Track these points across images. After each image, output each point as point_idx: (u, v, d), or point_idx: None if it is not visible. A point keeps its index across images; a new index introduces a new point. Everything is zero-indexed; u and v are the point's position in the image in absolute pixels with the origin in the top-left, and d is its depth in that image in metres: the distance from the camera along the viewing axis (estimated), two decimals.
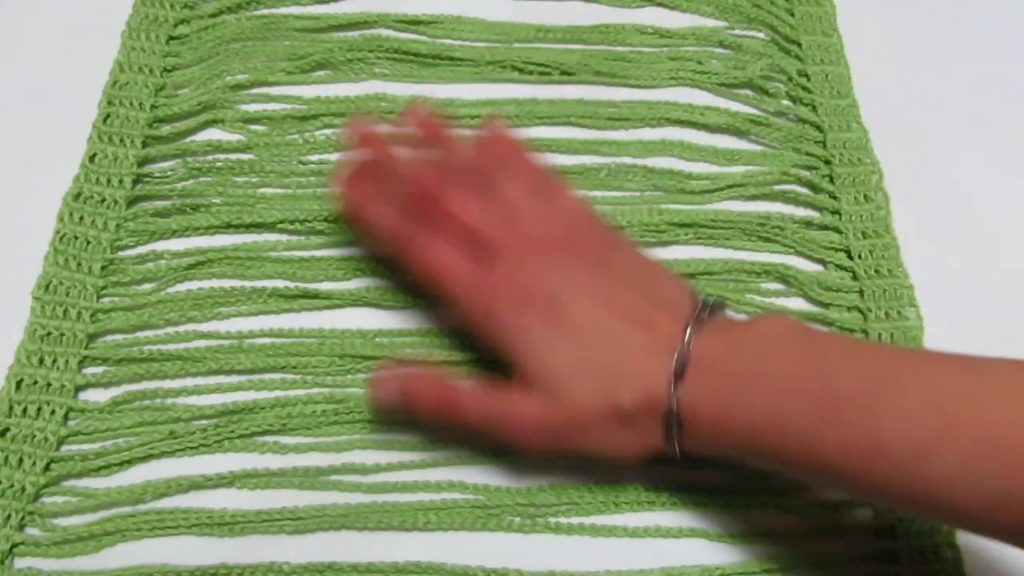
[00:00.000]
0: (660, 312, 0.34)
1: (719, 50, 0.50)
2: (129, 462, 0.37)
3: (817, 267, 0.44)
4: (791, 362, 0.31)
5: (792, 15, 0.51)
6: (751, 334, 0.33)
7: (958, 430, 0.28)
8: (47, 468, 0.37)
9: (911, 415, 0.28)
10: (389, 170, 0.38)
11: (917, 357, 0.31)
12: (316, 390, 0.39)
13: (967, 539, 0.38)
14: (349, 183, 0.39)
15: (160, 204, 0.43)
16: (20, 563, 0.35)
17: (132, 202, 0.43)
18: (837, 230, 0.45)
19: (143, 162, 0.43)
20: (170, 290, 0.41)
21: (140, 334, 0.40)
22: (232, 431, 0.38)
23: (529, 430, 0.34)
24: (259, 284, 0.41)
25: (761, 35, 0.50)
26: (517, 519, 0.37)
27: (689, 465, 0.35)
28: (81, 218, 0.41)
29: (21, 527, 0.36)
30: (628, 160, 0.46)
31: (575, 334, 0.33)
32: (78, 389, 0.39)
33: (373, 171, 0.39)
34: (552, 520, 0.38)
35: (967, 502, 0.28)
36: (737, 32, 0.50)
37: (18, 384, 0.38)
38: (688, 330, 0.33)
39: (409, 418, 0.38)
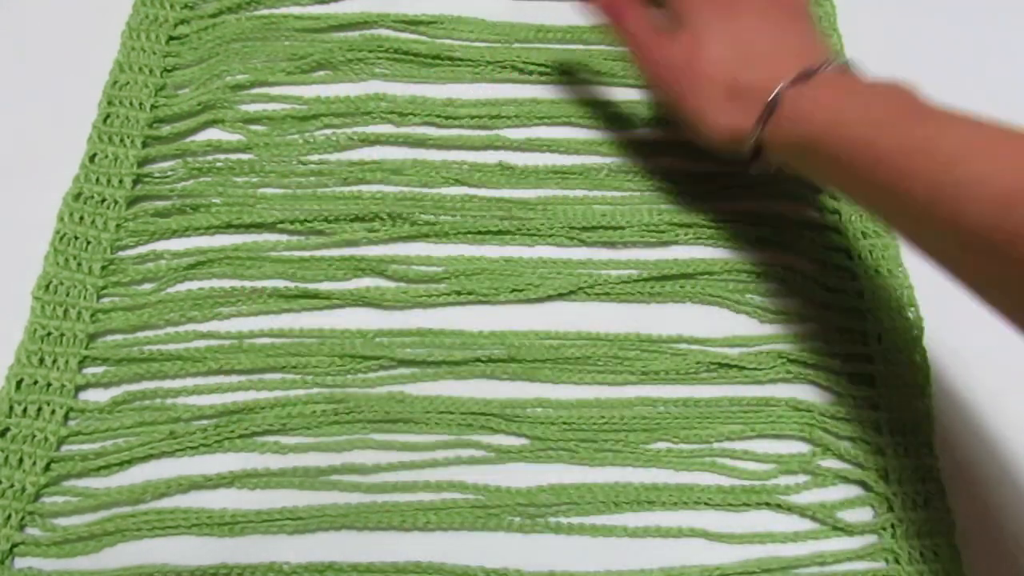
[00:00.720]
0: (811, 45, 0.40)
1: None
2: (129, 462, 0.37)
3: (817, 267, 0.44)
4: (892, 95, 0.36)
5: None
6: (873, 80, 0.38)
7: (998, 144, 0.32)
8: (47, 468, 0.37)
9: (969, 126, 0.33)
10: None
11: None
12: (316, 390, 0.39)
13: (967, 539, 0.38)
14: None
15: (160, 204, 0.43)
16: (20, 563, 0.35)
17: (132, 202, 0.43)
18: (837, 230, 0.45)
19: (143, 162, 0.43)
20: (170, 290, 0.41)
21: (140, 334, 0.40)
22: (232, 431, 0.38)
23: (661, 59, 0.41)
24: (259, 284, 0.41)
25: None
26: (517, 519, 0.37)
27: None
28: (81, 218, 0.41)
29: (21, 527, 0.36)
30: (627, 160, 0.46)
31: (736, 24, 0.40)
32: (78, 389, 0.39)
33: None
34: (552, 520, 0.38)
35: (978, 203, 0.31)
36: None
37: (18, 384, 0.38)
38: (829, 61, 0.38)
39: None
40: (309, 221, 0.42)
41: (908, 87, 0.36)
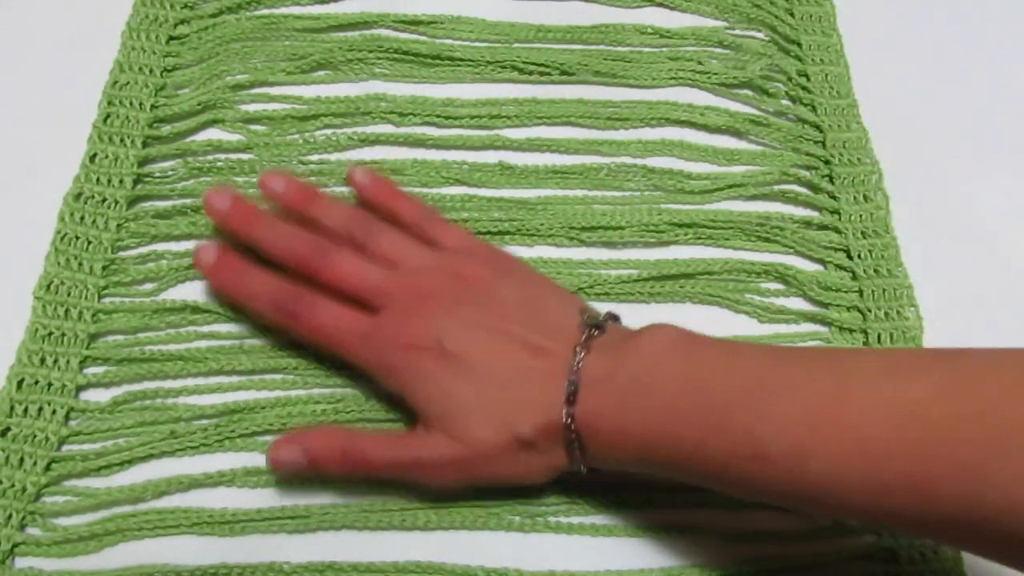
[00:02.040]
0: (549, 339, 0.35)
1: (719, 50, 0.50)
2: (130, 462, 0.37)
3: (817, 267, 0.44)
4: (673, 377, 0.32)
5: (792, 15, 0.51)
6: (636, 350, 0.33)
7: (827, 433, 0.29)
8: (48, 468, 0.37)
9: (783, 421, 0.30)
10: (261, 239, 0.38)
11: (788, 362, 0.32)
12: (316, 390, 0.39)
13: None
14: (219, 260, 0.39)
15: (161, 204, 0.43)
16: (21, 563, 0.35)
17: (133, 202, 0.43)
18: (837, 230, 0.45)
19: (144, 162, 0.44)
20: (171, 290, 0.41)
21: (141, 335, 0.40)
22: (232, 431, 0.38)
23: (436, 469, 0.35)
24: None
25: (761, 35, 0.51)
26: (517, 519, 0.37)
27: (597, 478, 0.36)
28: (82, 218, 0.41)
29: (22, 527, 0.36)
30: (628, 160, 0.46)
31: (467, 372, 0.34)
32: (79, 389, 0.39)
33: (247, 237, 0.39)
34: (552, 520, 0.38)
35: (849, 496, 0.29)
36: (737, 32, 0.50)
37: (19, 384, 0.38)
38: (578, 352, 0.34)
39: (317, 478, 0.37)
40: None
41: (673, 332, 0.34)
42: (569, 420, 0.33)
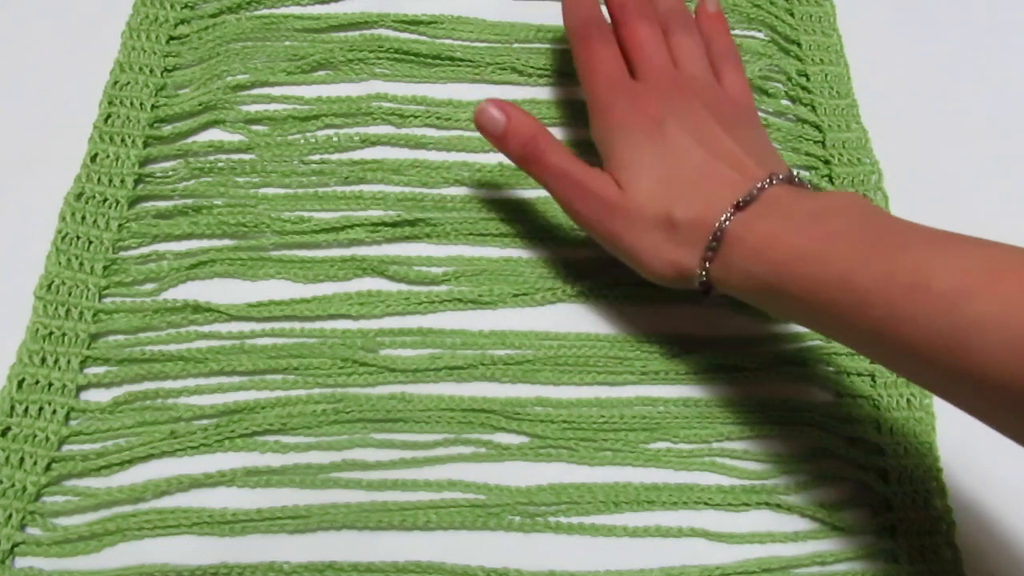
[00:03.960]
0: (751, 160, 0.37)
1: None
2: (130, 462, 0.37)
3: None
4: (857, 216, 0.33)
5: (792, 15, 0.51)
6: (827, 195, 0.35)
7: (1001, 277, 0.28)
8: (48, 468, 0.37)
9: (961, 255, 0.29)
10: None
11: (971, 239, 0.31)
12: (317, 390, 0.39)
13: (967, 539, 0.38)
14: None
15: (162, 205, 0.43)
16: (21, 562, 0.35)
17: (134, 202, 0.43)
18: None
19: (144, 162, 0.44)
20: (172, 290, 0.41)
21: (142, 335, 0.40)
22: (232, 431, 0.38)
23: (590, 202, 0.38)
24: (260, 284, 0.41)
25: (761, 35, 0.50)
26: (517, 519, 0.38)
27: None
28: (83, 218, 0.41)
29: (22, 527, 0.36)
30: None
31: (667, 150, 0.37)
32: (80, 389, 0.39)
33: None
34: (552, 520, 0.38)
35: (990, 351, 0.27)
36: (737, 32, 0.50)
37: (20, 383, 0.38)
38: (771, 179, 0.35)
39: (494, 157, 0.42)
40: (310, 221, 0.42)
41: (863, 199, 0.34)
42: (726, 221, 0.35)
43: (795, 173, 0.37)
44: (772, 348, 0.42)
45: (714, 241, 0.35)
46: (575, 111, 0.47)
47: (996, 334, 0.27)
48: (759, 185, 0.35)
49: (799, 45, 0.50)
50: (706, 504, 0.38)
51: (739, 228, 0.34)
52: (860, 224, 0.32)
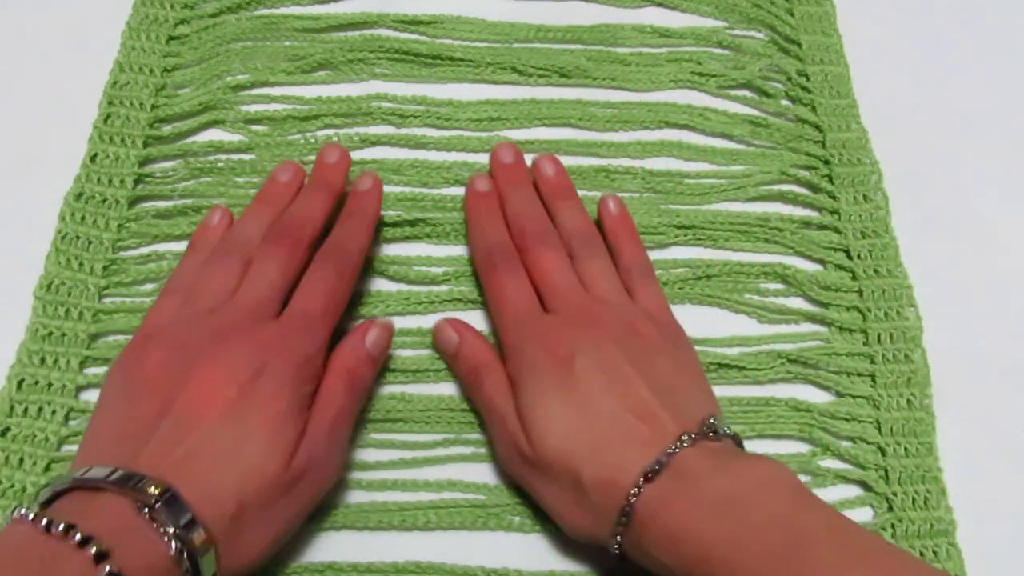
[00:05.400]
0: (666, 413, 0.34)
1: (718, 50, 0.50)
2: None
3: (817, 267, 0.44)
4: (772, 508, 0.30)
5: (792, 15, 0.51)
6: (744, 468, 0.32)
7: None
8: (47, 468, 0.37)
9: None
10: (512, 198, 0.42)
11: (889, 552, 0.30)
12: None
13: (968, 539, 0.38)
14: (479, 185, 0.43)
15: (162, 205, 0.43)
16: None
17: (134, 202, 0.43)
18: (836, 230, 0.45)
19: (144, 162, 0.44)
20: None
21: None
22: None
23: (507, 444, 0.36)
24: None
25: (761, 35, 0.50)
26: (517, 519, 0.37)
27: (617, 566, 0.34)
28: (83, 218, 0.41)
29: None
30: (627, 161, 0.46)
31: (575, 395, 0.34)
32: (79, 389, 0.39)
33: (502, 188, 0.42)
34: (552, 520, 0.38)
35: None
36: (737, 32, 0.50)
37: (19, 384, 0.38)
38: (684, 439, 0.32)
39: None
40: None
41: (781, 472, 0.31)
42: (634, 495, 0.32)
43: (712, 420, 0.34)
44: (772, 348, 0.42)
45: (623, 516, 0.32)
46: (575, 112, 0.47)
47: None
48: (669, 449, 0.32)
49: (799, 45, 0.50)
50: None
51: (650, 505, 0.31)
52: (773, 517, 0.30)
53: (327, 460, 0.34)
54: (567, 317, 0.37)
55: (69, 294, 0.40)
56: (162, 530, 0.28)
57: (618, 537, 0.32)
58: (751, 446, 0.40)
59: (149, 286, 0.41)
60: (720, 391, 0.41)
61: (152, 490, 0.28)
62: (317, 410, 0.34)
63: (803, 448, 0.40)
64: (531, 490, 0.36)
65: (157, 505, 0.28)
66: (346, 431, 0.35)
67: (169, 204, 0.43)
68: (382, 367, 0.40)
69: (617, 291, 0.39)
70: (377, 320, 0.38)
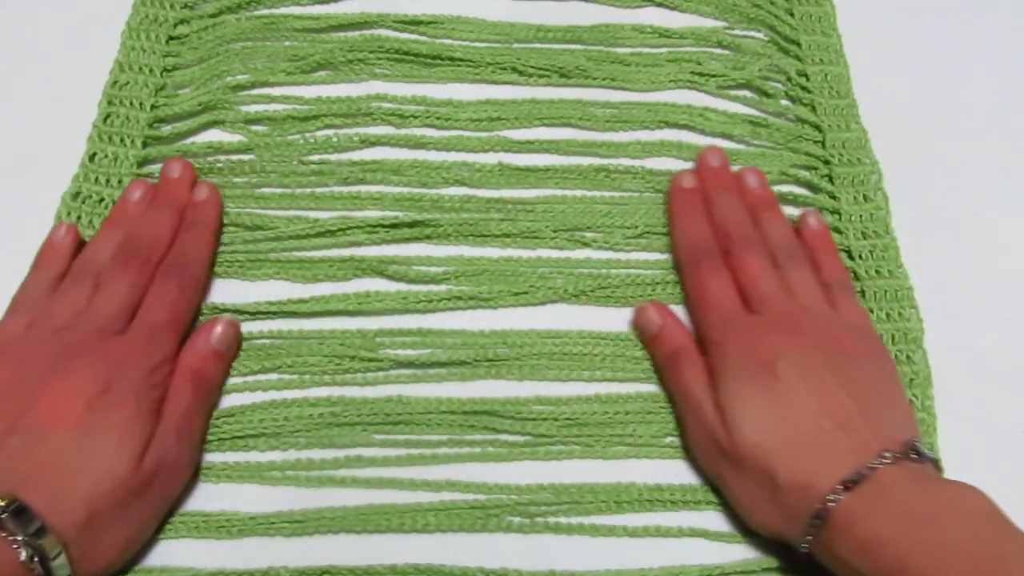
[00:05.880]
0: (867, 426, 0.34)
1: (718, 50, 0.50)
2: None
3: None
4: (969, 529, 0.31)
5: (792, 15, 0.51)
6: (943, 490, 0.33)
7: None
8: None
9: None
10: (720, 201, 0.43)
11: None
12: (314, 392, 0.39)
13: None
14: (685, 181, 0.44)
15: None
16: None
17: None
18: (837, 230, 0.45)
19: (143, 162, 0.44)
20: None
21: None
22: (227, 432, 0.38)
23: (702, 433, 0.37)
24: (260, 285, 0.41)
25: (761, 35, 0.50)
26: (517, 519, 0.37)
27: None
28: (79, 217, 0.41)
29: None
30: (627, 161, 0.46)
31: (774, 396, 0.35)
32: None
33: (710, 192, 0.43)
34: (552, 520, 0.37)
35: None
36: (736, 32, 0.50)
37: None
38: (885, 455, 0.33)
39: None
40: (309, 222, 0.42)
41: (981, 499, 0.32)
42: (832, 501, 0.32)
43: (915, 442, 0.34)
44: None
45: (818, 519, 0.33)
46: (575, 112, 0.47)
47: None
48: (871, 464, 0.33)
49: (799, 45, 0.50)
50: (709, 504, 0.38)
51: (846, 514, 0.32)
52: (972, 538, 0.31)
53: (177, 459, 0.35)
54: (772, 320, 0.38)
55: None
56: (11, 538, 0.30)
57: (808, 538, 0.33)
58: None
59: None
60: None
61: None
62: (165, 411, 0.35)
63: None
64: (720, 481, 0.37)
65: (3, 516, 0.30)
66: (195, 429, 0.36)
67: None
68: (380, 366, 0.40)
69: (820, 302, 0.39)
70: (221, 317, 0.39)
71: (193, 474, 0.36)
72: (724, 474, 0.36)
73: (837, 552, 0.32)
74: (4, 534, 0.30)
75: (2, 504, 0.30)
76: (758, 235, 0.41)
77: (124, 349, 0.35)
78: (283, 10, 0.48)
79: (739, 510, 0.36)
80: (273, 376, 0.39)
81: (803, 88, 0.48)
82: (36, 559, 0.30)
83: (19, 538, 0.30)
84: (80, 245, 0.40)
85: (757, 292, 0.39)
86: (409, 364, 0.40)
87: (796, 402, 0.35)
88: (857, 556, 0.32)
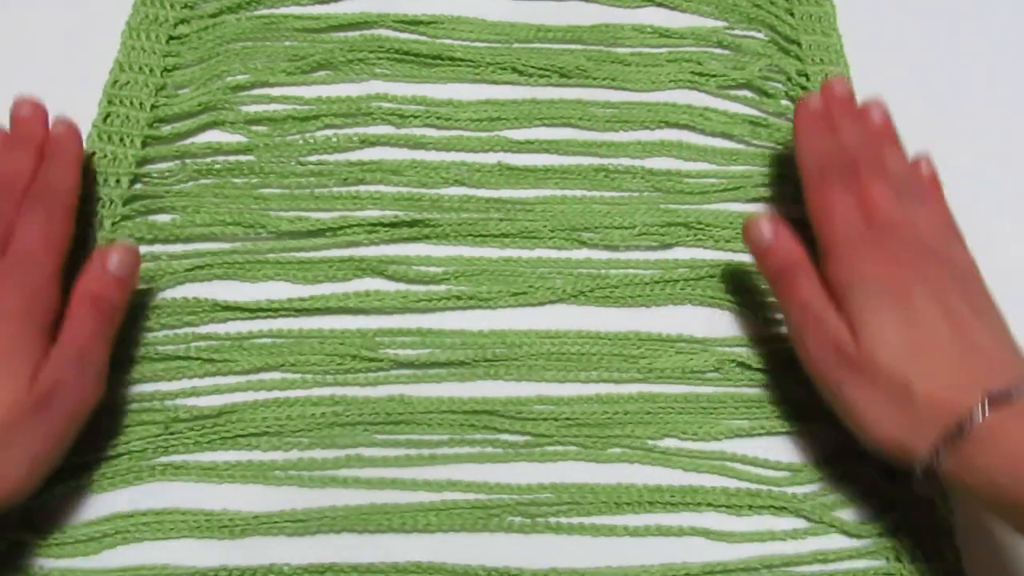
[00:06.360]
0: (999, 350, 0.35)
1: (718, 50, 0.50)
2: (127, 455, 0.37)
3: (819, 267, 0.44)
4: None
5: (792, 15, 0.51)
6: None
7: None
8: None
9: None
10: (842, 125, 0.42)
11: None
12: (316, 391, 0.39)
13: (967, 539, 0.38)
14: (812, 103, 0.43)
15: (159, 205, 0.43)
16: (21, 561, 0.35)
17: (128, 202, 0.42)
18: None
19: (142, 162, 0.43)
20: (168, 291, 0.41)
21: (138, 335, 0.40)
22: (229, 431, 0.38)
23: (824, 343, 0.36)
24: (260, 285, 0.41)
25: (761, 35, 0.50)
26: (517, 519, 0.37)
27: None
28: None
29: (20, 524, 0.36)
30: (627, 161, 0.46)
31: (911, 318, 0.35)
32: None
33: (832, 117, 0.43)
34: (552, 520, 0.38)
35: None
36: (737, 32, 0.50)
37: None
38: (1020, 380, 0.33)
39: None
40: (309, 222, 0.42)
41: None
42: (980, 414, 0.32)
43: None
44: (777, 347, 0.42)
45: (957, 430, 0.32)
46: (575, 112, 0.47)
47: None
48: (1018, 384, 0.32)
49: (799, 45, 0.50)
50: (709, 506, 0.38)
51: (993, 427, 0.32)
52: None
53: (77, 381, 0.34)
54: (900, 247, 0.38)
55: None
56: None
57: (937, 452, 0.33)
58: (758, 444, 0.40)
59: (145, 286, 0.41)
60: (726, 389, 0.41)
61: None
62: (63, 334, 0.35)
63: (809, 446, 0.40)
64: (838, 389, 0.36)
65: None
66: (97, 353, 0.36)
67: (166, 204, 0.43)
68: (381, 366, 0.40)
69: (944, 242, 0.39)
70: (118, 241, 0.39)
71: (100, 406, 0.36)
72: (847, 384, 0.35)
73: (975, 466, 0.32)
74: None
75: None
76: (882, 165, 0.41)
77: (0, 276, 0.35)
78: (283, 10, 0.48)
79: (855, 422, 0.36)
80: (274, 376, 0.40)
81: (803, 88, 0.48)
82: None
83: None
84: None
85: (882, 216, 0.38)
86: (409, 364, 0.40)
87: (934, 323, 0.35)
88: (1002, 470, 0.31)
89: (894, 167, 0.42)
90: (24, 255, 0.36)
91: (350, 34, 0.48)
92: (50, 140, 0.40)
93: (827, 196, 0.40)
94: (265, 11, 0.48)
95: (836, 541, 0.38)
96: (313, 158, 0.44)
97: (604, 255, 0.44)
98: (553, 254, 0.43)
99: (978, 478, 0.32)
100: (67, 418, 0.34)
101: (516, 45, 0.48)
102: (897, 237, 0.38)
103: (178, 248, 0.42)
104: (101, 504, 0.37)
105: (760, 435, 0.40)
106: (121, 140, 0.43)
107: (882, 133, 0.43)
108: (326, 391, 0.39)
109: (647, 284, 0.43)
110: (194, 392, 0.39)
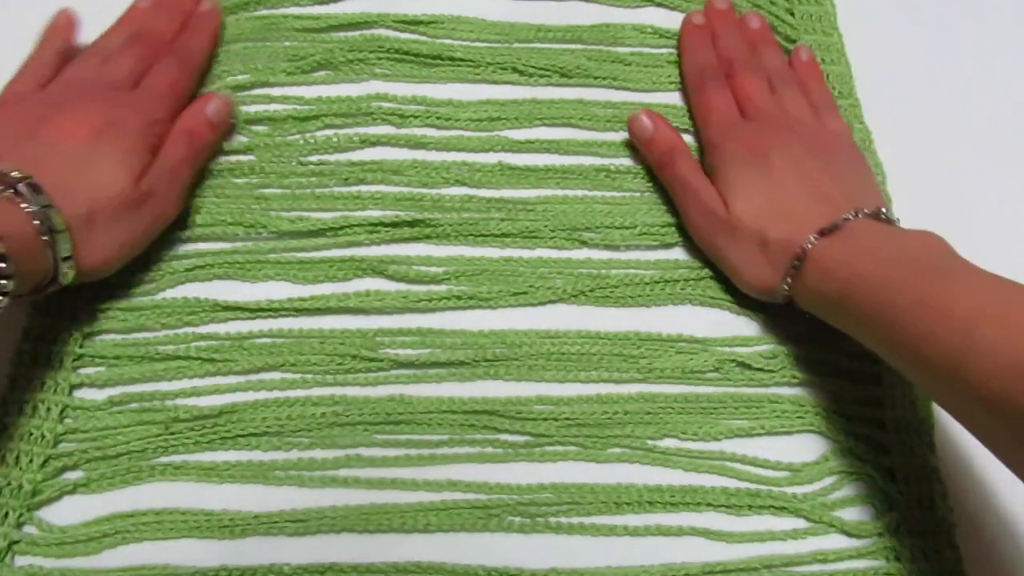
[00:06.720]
0: (843, 197, 0.41)
1: None
2: (127, 455, 0.37)
3: None
4: (915, 249, 0.36)
5: (792, 15, 0.51)
6: (906, 233, 0.39)
7: (1012, 309, 0.32)
8: (44, 464, 0.37)
9: (983, 289, 0.33)
10: (720, 34, 0.49)
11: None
12: (316, 391, 0.39)
13: (967, 539, 0.38)
14: (695, 19, 0.49)
15: None
16: (20, 561, 0.35)
17: None
18: None
19: None
20: (168, 291, 0.41)
21: (138, 335, 0.40)
22: (229, 431, 0.38)
23: (703, 213, 0.43)
24: (260, 285, 0.41)
25: None
26: (517, 519, 0.37)
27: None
28: None
29: (19, 525, 0.36)
30: (627, 161, 0.46)
31: (767, 178, 0.42)
32: (72, 388, 0.39)
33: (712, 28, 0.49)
34: (553, 520, 0.38)
35: (993, 371, 0.30)
36: None
37: (13, 383, 0.38)
38: (855, 213, 0.39)
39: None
40: (309, 222, 0.42)
41: (936, 239, 0.37)
42: (808, 244, 0.39)
43: (883, 209, 0.40)
44: (778, 347, 0.42)
45: (797, 261, 0.39)
46: (576, 111, 0.47)
47: (999, 357, 0.30)
48: (844, 216, 0.39)
49: None
50: (709, 506, 0.38)
51: (817, 252, 0.38)
52: (916, 256, 0.36)
53: (167, 193, 0.40)
54: (765, 124, 0.44)
55: (63, 293, 0.40)
56: (24, 207, 0.34)
57: (788, 280, 0.39)
58: (757, 443, 0.40)
59: (145, 286, 0.41)
60: (725, 389, 0.41)
61: (15, 175, 0.35)
62: (162, 154, 0.40)
63: (809, 446, 0.40)
64: (716, 252, 0.42)
65: (20, 187, 0.34)
66: (185, 175, 0.41)
67: None
68: (381, 366, 0.40)
69: (808, 115, 0.45)
70: (217, 93, 0.44)
71: (177, 221, 0.41)
72: (721, 243, 0.42)
73: (808, 284, 0.39)
74: (21, 201, 0.34)
75: (18, 176, 0.35)
76: (756, 62, 0.47)
77: (128, 100, 0.41)
78: (283, 10, 0.48)
79: (732, 272, 0.42)
80: (274, 376, 0.40)
81: None
82: (47, 229, 0.34)
83: (32, 209, 0.34)
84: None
85: (753, 105, 0.45)
86: (409, 364, 0.40)
87: (786, 182, 0.41)
88: (823, 280, 0.38)
89: (768, 62, 0.47)
90: (151, 91, 0.42)
91: (350, 34, 0.48)
92: (196, 14, 0.46)
93: (705, 96, 0.46)
94: (265, 11, 0.48)
95: (836, 541, 0.38)
96: (314, 158, 0.44)
97: (604, 255, 0.44)
98: (553, 254, 0.43)
99: (810, 295, 0.39)
100: (153, 219, 0.40)
101: (516, 45, 0.48)
102: (766, 120, 0.44)
103: (178, 248, 0.42)
104: (101, 504, 0.37)
105: (760, 435, 0.40)
106: None
107: (758, 35, 0.48)
108: (326, 391, 0.39)
109: (647, 284, 0.43)
110: (194, 392, 0.39)
